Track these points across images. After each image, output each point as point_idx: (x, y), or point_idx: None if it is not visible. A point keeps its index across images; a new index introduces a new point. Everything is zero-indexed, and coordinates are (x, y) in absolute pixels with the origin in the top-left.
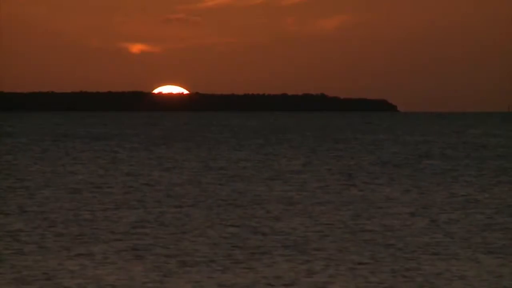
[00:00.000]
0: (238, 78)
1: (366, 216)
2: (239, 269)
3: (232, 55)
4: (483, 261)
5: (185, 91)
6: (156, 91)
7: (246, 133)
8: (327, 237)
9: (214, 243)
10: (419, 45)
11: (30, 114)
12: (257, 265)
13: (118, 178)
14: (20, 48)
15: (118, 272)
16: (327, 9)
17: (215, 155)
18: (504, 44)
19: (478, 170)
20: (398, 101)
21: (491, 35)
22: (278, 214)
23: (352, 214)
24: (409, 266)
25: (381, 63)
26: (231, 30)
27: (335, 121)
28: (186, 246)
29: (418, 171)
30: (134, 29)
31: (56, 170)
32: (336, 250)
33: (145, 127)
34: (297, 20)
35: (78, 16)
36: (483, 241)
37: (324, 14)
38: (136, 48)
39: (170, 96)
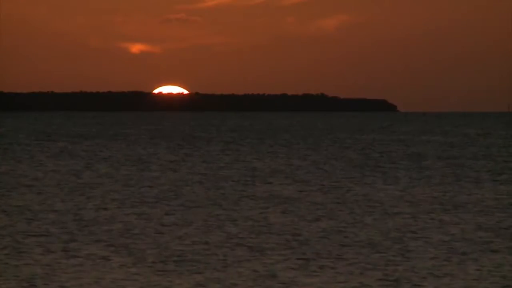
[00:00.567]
0: (238, 78)
1: (363, 215)
2: (237, 269)
3: (232, 55)
4: (482, 261)
5: (185, 91)
6: (156, 91)
7: (243, 132)
8: (324, 237)
9: (211, 243)
10: (419, 45)
11: (30, 114)
12: (255, 264)
13: (115, 177)
14: (20, 48)
15: (117, 272)
16: (327, 9)
17: (210, 155)
18: (504, 44)
19: (476, 170)
20: (398, 101)
21: (491, 35)
22: (275, 213)
23: (349, 213)
24: (405, 266)
25: (381, 63)
26: (231, 30)
27: (335, 121)
28: (183, 245)
29: (417, 170)
30: (134, 29)
31: (54, 169)
32: (334, 250)
33: (144, 126)
34: (297, 20)
35: (78, 16)
36: (482, 241)
37: (324, 14)
38: (136, 48)
39: (170, 96)
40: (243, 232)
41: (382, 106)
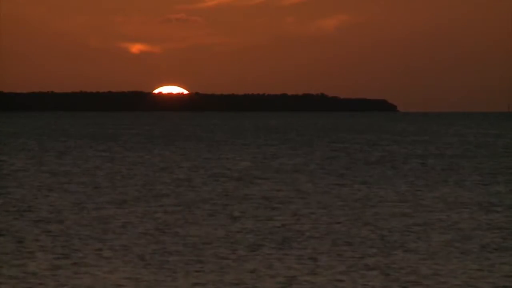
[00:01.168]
0: (238, 78)
1: (361, 215)
2: (232, 268)
3: (232, 55)
4: (480, 261)
5: (185, 91)
6: (156, 91)
7: (243, 132)
8: (320, 236)
9: (207, 242)
10: (419, 45)
11: (30, 114)
12: (250, 263)
13: (114, 178)
14: (20, 48)
15: (114, 271)
16: (327, 9)
17: (211, 155)
18: (504, 44)
19: (476, 170)
20: (398, 101)
21: (491, 35)
22: (271, 213)
23: (346, 213)
24: (401, 266)
25: (381, 63)
26: (231, 30)
27: (335, 121)
28: (179, 245)
29: (415, 170)
30: (134, 29)
31: (53, 169)
32: (331, 249)
33: (143, 126)
34: (297, 20)
35: (78, 16)
36: (481, 240)
37: (324, 14)
38: (136, 48)
39: (170, 96)
40: (241, 232)
41: (382, 106)
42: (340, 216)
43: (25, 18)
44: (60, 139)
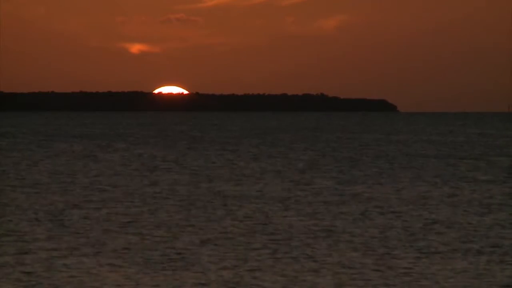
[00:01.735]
0: (238, 78)
1: (358, 215)
2: (226, 267)
3: (232, 55)
4: (478, 260)
5: (185, 91)
6: (156, 91)
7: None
8: (316, 236)
9: (204, 241)
10: (419, 45)
11: (30, 114)
12: (249, 264)
13: (114, 178)
14: (20, 48)
15: (111, 270)
16: (327, 9)
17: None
18: (504, 44)
19: (475, 170)
20: (398, 101)
21: (491, 35)
22: (270, 212)
23: (343, 212)
24: (394, 265)
25: (381, 63)
26: (231, 30)
27: (335, 121)
28: (180, 244)
29: (414, 169)
30: (134, 29)
31: (52, 169)
32: (330, 249)
33: (141, 127)
34: (297, 20)
35: (78, 16)
36: (479, 240)
37: (324, 14)
38: (136, 48)
39: (170, 96)
40: (239, 231)
41: (382, 106)
42: (338, 215)
43: (25, 18)
44: (60, 139)
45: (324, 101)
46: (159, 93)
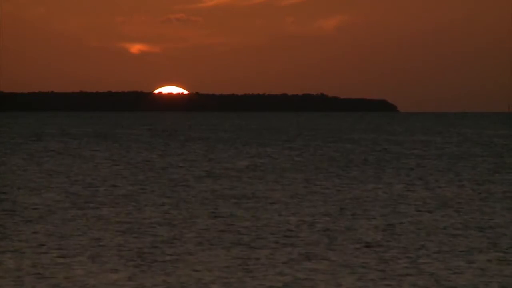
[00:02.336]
0: (238, 78)
1: (355, 214)
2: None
3: (232, 55)
4: (475, 260)
5: (185, 91)
6: (156, 91)
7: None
8: (315, 236)
9: (200, 240)
10: (419, 45)
11: (30, 114)
12: (246, 264)
13: (113, 177)
14: (20, 48)
15: (109, 271)
16: (327, 9)
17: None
18: (504, 44)
19: (474, 170)
20: (398, 101)
21: (491, 35)
22: (263, 212)
23: (342, 212)
24: (386, 266)
25: (380, 63)
26: (231, 30)
27: (335, 121)
28: (179, 244)
29: (412, 169)
30: (134, 29)
31: (51, 169)
32: (327, 249)
33: (141, 126)
34: (297, 20)
35: (78, 16)
36: (478, 239)
37: (324, 14)
38: (136, 48)
39: (170, 96)
40: (237, 230)
41: (382, 106)
42: (336, 214)
43: (25, 18)
44: (60, 139)
45: (324, 101)
46: (159, 93)
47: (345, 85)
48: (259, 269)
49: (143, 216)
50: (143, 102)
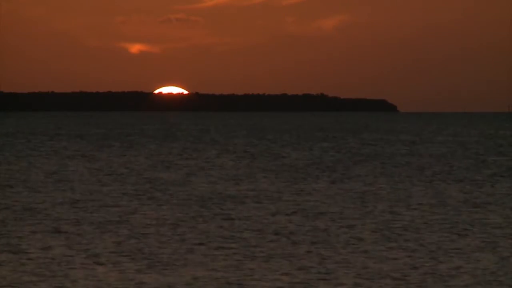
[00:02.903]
0: (238, 78)
1: (354, 214)
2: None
3: (232, 55)
4: (473, 259)
5: (185, 91)
6: (156, 91)
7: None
8: (314, 236)
9: (194, 241)
10: (419, 45)
11: (30, 114)
12: (244, 264)
13: (113, 177)
14: (20, 48)
15: (109, 271)
16: (327, 9)
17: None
18: (504, 44)
19: (475, 169)
20: (398, 101)
21: (491, 35)
22: (257, 211)
23: (341, 211)
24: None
25: (381, 63)
26: (231, 30)
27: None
28: (178, 244)
29: (411, 169)
30: (134, 29)
31: (51, 169)
32: (325, 249)
33: (140, 126)
34: (297, 20)
35: (78, 16)
36: (476, 239)
37: (324, 14)
38: (136, 48)
39: (170, 96)
40: (238, 231)
41: (382, 106)
42: (337, 215)
43: (25, 18)
44: (60, 139)
45: (324, 101)
46: (159, 93)
47: (345, 85)
48: (259, 269)
49: (143, 216)
50: (143, 102)
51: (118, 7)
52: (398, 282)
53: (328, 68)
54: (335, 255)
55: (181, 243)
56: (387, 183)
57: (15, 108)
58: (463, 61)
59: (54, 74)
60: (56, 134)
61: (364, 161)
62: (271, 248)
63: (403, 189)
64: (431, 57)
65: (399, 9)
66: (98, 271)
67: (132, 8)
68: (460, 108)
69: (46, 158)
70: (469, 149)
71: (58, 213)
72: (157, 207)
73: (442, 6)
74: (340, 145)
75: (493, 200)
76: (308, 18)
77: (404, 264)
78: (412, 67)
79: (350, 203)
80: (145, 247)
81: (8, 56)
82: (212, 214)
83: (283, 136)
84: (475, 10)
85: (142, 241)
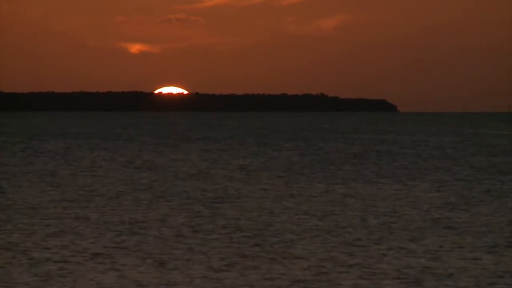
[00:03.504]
0: (238, 78)
1: (353, 213)
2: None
3: (232, 55)
4: (471, 259)
5: (185, 91)
6: (156, 91)
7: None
8: (313, 236)
9: (192, 240)
10: (419, 45)
11: (30, 114)
12: (242, 264)
13: (112, 177)
14: (20, 48)
15: (108, 271)
16: (327, 9)
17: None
18: (504, 44)
19: (475, 169)
20: (398, 101)
21: (491, 35)
22: (257, 211)
23: (340, 211)
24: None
25: (381, 63)
26: (231, 30)
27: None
28: (179, 243)
29: (409, 169)
30: (134, 29)
31: (51, 169)
32: (324, 249)
33: (144, 126)
34: (297, 20)
35: (78, 16)
36: (474, 239)
37: (324, 14)
38: (136, 48)
39: (170, 96)
40: (238, 231)
41: (382, 106)
42: (336, 215)
43: (25, 18)
44: (59, 139)
45: (324, 101)
46: (159, 93)
47: (345, 85)
48: (258, 269)
49: (143, 216)
50: (143, 102)
51: (118, 7)
52: (398, 282)
53: (328, 68)
54: (335, 255)
55: (181, 243)
56: (387, 183)
57: (15, 108)
58: (463, 61)
59: (54, 74)
60: (60, 134)
61: (364, 161)
62: (271, 248)
63: (403, 189)
64: (431, 57)
65: (399, 9)
66: (98, 270)
67: (132, 8)
68: (460, 108)
69: (46, 158)
70: (469, 149)
71: (58, 213)
72: (157, 207)
73: (442, 6)
74: (338, 145)
75: (493, 199)
76: (308, 18)
77: (404, 264)
78: (412, 67)
79: (350, 203)
80: (145, 247)
81: (8, 56)
82: (212, 214)
83: (283, 136)
84: (475, 10)
85: (142, 241)
